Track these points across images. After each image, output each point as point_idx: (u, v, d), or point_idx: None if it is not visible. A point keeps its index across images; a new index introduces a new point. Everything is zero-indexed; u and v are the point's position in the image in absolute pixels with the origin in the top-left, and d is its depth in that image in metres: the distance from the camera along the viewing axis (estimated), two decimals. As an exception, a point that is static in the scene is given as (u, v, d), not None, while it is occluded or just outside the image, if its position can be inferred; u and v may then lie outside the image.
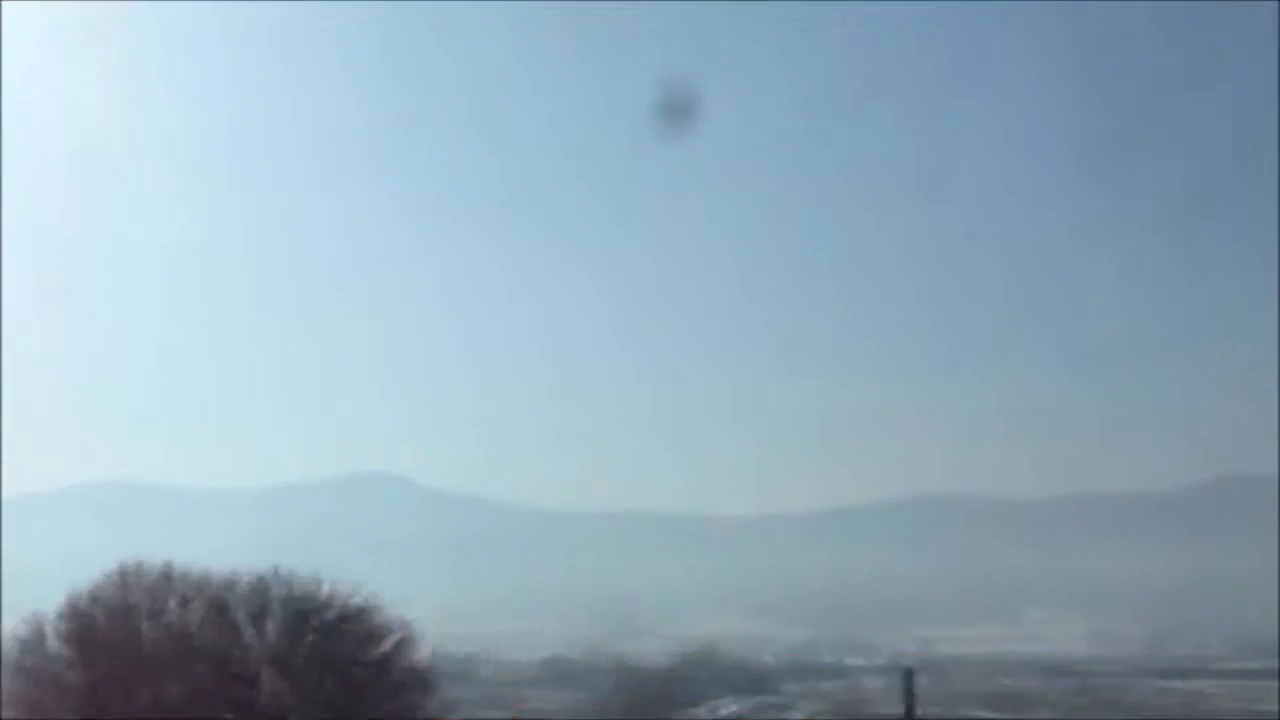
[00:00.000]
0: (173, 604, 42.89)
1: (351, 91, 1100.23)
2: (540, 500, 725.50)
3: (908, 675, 23.10)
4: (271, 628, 43.00)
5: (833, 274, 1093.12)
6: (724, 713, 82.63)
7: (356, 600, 44.71)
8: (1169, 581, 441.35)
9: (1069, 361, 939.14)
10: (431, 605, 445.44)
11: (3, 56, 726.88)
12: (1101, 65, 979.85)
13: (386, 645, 44.43)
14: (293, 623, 43.06)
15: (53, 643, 42.10)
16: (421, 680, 45.12)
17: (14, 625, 42.35)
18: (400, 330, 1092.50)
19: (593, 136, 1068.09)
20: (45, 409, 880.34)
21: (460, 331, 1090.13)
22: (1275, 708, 79.71)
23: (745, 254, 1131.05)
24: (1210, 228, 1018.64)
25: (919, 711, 23.80)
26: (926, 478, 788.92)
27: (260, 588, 43.84)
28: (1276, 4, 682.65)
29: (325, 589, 44.54)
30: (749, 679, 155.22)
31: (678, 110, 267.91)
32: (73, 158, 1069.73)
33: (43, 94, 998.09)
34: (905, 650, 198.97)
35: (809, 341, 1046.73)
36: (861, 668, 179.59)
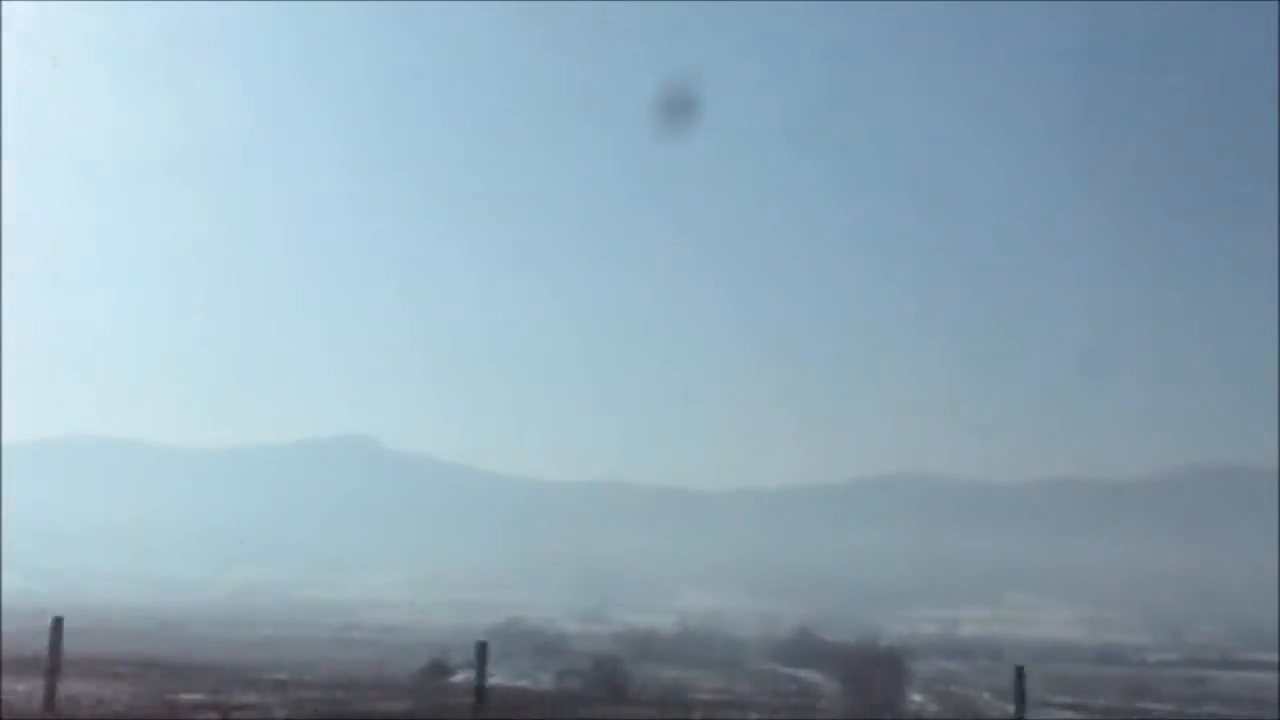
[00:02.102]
0: None
1: (353, 89, 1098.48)
2: (512, 469, 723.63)
3: (1019, 674, 18.01)
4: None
5: (818, 258, 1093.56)
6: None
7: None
8: (1144, 569, 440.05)
9: (1050, 348, 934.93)
10: (415, 573, 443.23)
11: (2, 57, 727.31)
12: (1112, 63, 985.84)
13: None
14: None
15: None
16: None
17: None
18: (380, 301, 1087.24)
19: (593, 130, 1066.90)
20: (25, 364, 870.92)
21: (442, 306, 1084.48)
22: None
23: (732, 241, 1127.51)
24: (1209, 226, 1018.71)
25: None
26: (900, 457, 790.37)
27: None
28: (1277, 4, 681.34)
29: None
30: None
31: (679, 107, 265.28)
32: (72, 157, 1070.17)
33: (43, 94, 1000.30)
34: (898, 631, 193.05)
35: (788, 320, 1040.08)
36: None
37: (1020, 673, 19.55)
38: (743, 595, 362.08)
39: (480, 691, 20.13)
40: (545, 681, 71.10)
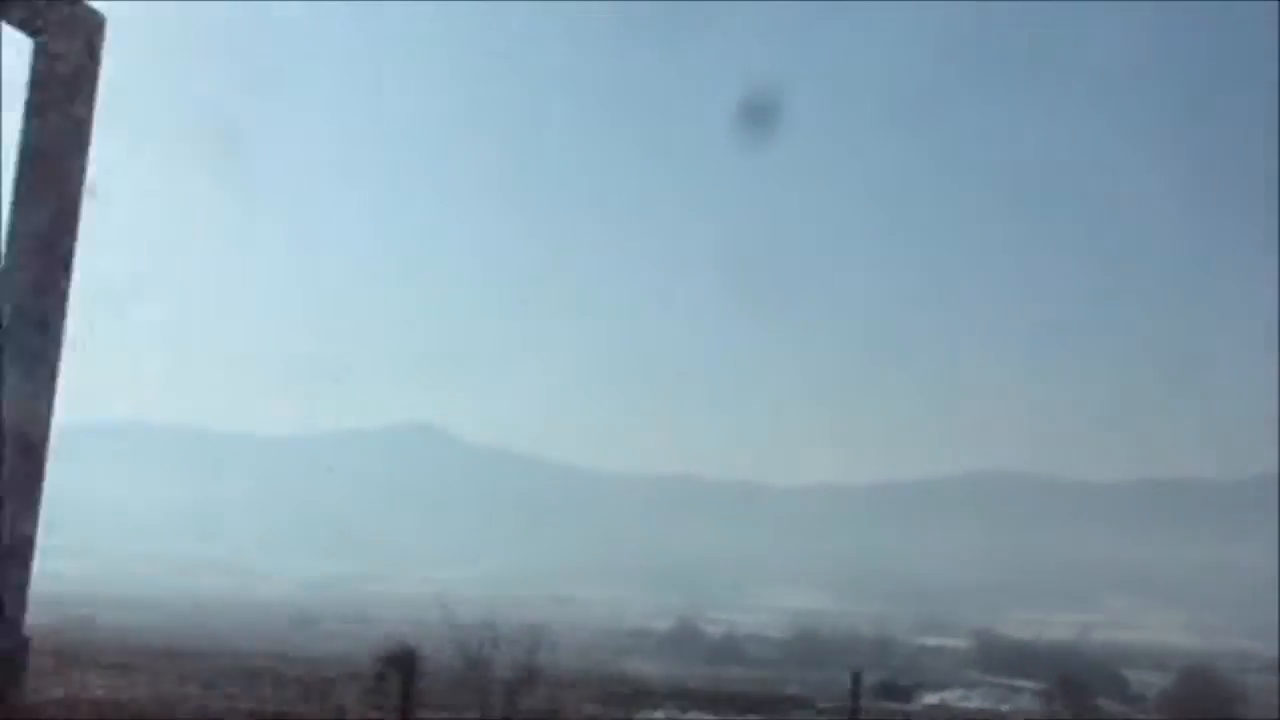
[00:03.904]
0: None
1: (420, 84, 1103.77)
2: (584, 460, 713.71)
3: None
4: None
5: (904, 253, 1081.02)
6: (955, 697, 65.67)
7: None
8: (1240, 572, 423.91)
9: (1146, 348, 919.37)
10: (486, 568, 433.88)
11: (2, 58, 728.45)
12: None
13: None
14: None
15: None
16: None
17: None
18: (450, 290, 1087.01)
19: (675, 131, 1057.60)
20: (89, 345, 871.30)
21: (513, 295, 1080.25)
22: None
23: (816, 235, 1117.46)
24: (1212, 225, 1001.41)
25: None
26: (988, 454, 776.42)
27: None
28: (1277, 4, 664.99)
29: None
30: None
31: (761, 110, 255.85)
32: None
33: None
34: (1022, 636, 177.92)
35: (869, 314, 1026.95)
36: (940, 648, 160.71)
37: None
38: (827, 596, 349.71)
39: None
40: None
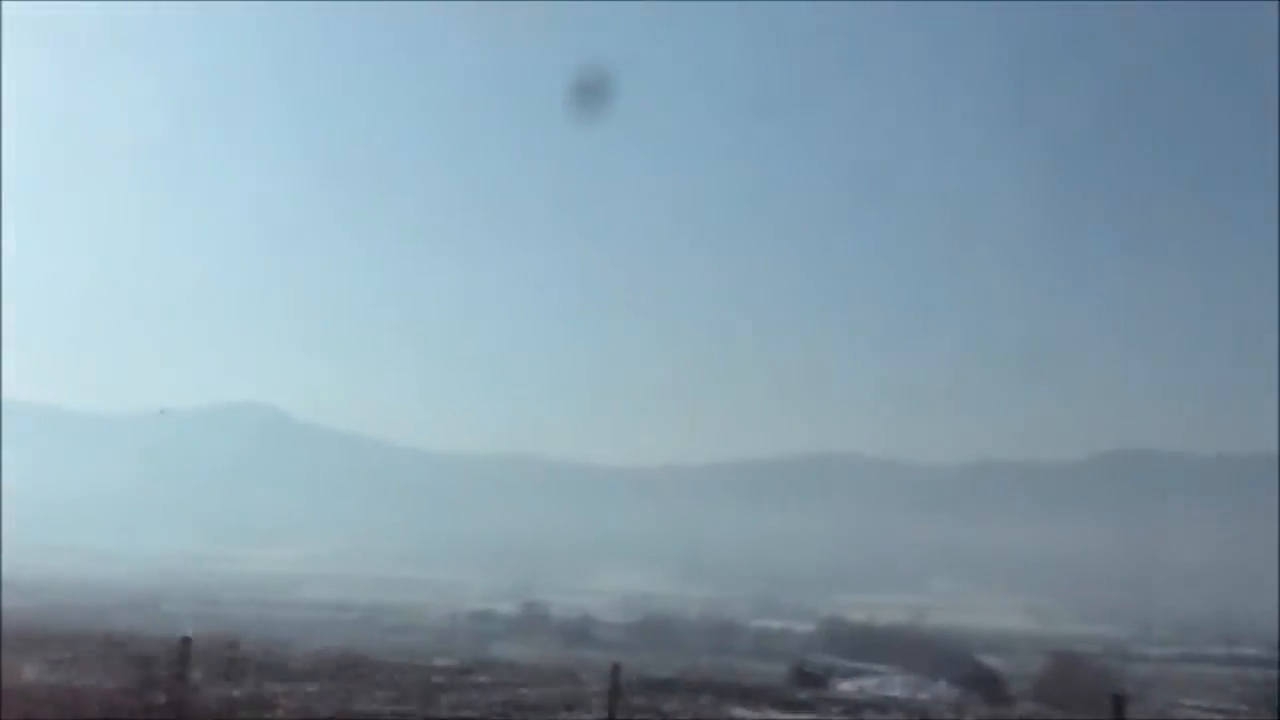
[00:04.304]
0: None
1: (285, 81, 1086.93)
2: (420, 441, 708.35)
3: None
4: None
5: (743, 233, 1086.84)
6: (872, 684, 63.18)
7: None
8: (1073, 558, 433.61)
9: (987, 334, 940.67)
10: (326, 547, 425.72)
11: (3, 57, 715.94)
12: (1091, 64, 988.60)
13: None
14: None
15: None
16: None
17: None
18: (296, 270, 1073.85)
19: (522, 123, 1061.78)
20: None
21: (349, 279, 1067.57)
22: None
23: (657, 219, 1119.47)
24: (1208, 225, 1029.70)
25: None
26: (825, 437, 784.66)
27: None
28: (1276, 4, 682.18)
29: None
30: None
31: (591, 92, 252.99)
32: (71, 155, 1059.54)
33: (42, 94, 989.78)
34: (858, 618, 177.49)
35: (707, 294, 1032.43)
36: (786, 632, 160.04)
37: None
38: (660, 577, 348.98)
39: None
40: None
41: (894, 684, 60.98)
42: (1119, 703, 15.90)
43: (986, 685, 61.56)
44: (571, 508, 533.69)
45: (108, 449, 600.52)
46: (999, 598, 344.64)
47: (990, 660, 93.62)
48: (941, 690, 60.35)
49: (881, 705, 31.00)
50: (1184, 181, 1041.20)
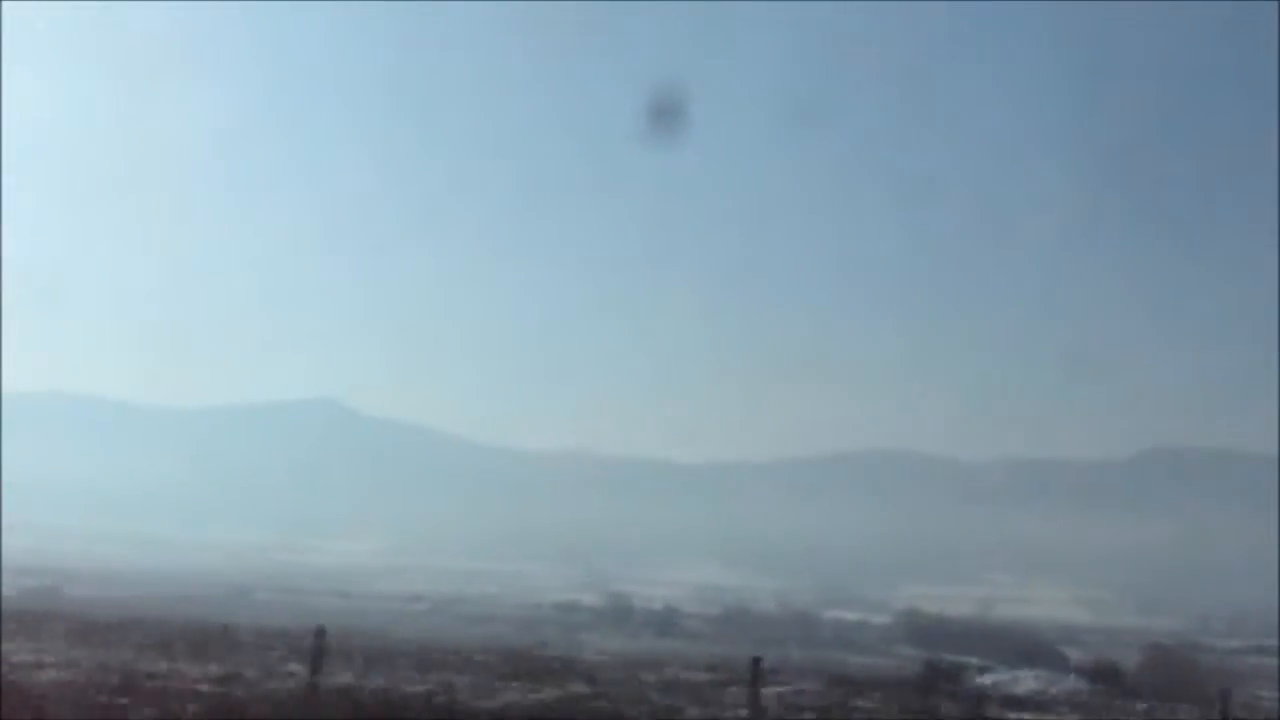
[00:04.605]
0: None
1: (347, 87, 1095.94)
2: (485, 436, 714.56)
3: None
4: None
5: (797, 236, 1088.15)
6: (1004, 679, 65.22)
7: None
8: (1120, 552, 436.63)
9: (1018, 336, 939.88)
10: (392, 540, 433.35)
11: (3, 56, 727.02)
12: (1099, 65, 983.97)
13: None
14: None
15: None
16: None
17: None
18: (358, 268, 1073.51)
19: (582, 134, 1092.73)
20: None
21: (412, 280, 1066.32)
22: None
23: (713, 221, 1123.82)
24: (1209, 225, 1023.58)
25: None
26: (876, 434, 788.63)
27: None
28: (1276, 4, 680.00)
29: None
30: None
31: (667, 112, 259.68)
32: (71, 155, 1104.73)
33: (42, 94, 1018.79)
34: (931, 610, 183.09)
35: (765, 294, 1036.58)
36: (864, 623, 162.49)
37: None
38: (728, 569, 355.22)
39: None
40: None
41: (1027, 679, 63.25)
42: (1225, 696, 15.78)
43: (1109, 679, 59.98)
44: (635, 503, 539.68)
45: (177, 443, 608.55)
46: (1054, 590, 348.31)
47: (1070, 652, 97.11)
48: (1071, 684, 59.91)
49: (1045, 704, 34.65)
50: (1228, 182, 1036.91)
